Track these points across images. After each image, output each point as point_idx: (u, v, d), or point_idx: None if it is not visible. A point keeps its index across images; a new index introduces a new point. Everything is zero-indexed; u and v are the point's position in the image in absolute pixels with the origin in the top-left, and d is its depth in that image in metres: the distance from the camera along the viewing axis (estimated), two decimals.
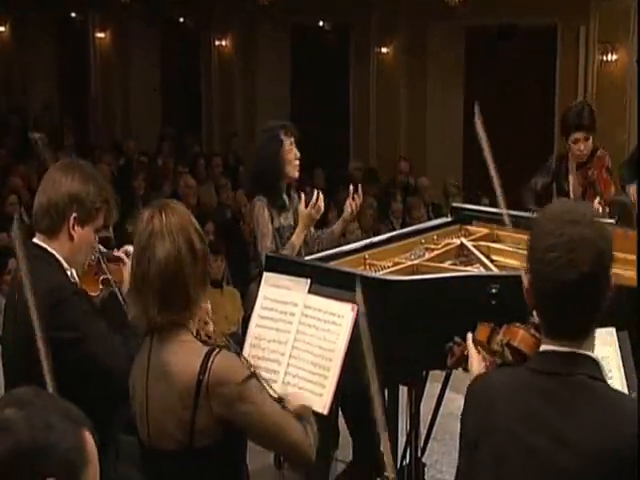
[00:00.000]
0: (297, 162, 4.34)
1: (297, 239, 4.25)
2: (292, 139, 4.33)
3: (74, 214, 2.67)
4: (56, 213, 2.66)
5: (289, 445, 2.24)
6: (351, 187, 4.36)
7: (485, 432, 1.80)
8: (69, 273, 2.71)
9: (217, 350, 2.18)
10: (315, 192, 4.24)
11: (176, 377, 2.17)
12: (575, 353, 1.75)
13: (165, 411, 2.19)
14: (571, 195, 4.95)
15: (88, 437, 1.38)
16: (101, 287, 2.86)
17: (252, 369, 2.22)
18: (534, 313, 1.87)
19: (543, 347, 1.82)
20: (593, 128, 4.88)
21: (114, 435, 2.84)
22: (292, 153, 4.31)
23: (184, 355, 2.19)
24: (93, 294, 2.82)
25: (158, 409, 2.21)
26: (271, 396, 2.24)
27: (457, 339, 2.26)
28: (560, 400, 1.73)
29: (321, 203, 4.22)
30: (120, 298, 2.80)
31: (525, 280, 1.81)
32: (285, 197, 4.39)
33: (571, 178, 5.00)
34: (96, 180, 2.73)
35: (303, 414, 2.31)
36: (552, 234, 1.72)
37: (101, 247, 2.89)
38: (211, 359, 2.15)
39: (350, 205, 4.33)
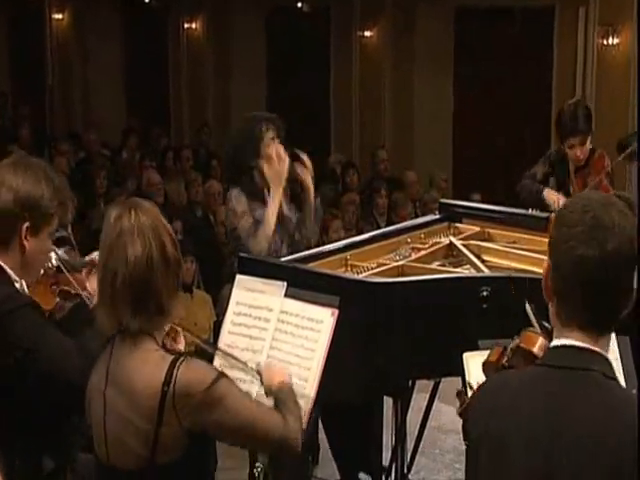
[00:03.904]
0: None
1: (271, 211, 4.11)
2: (274, 134, 4.23)
3: (26, 223, 2.52)
4: (5, 224, 2.52)
5: (269, 440, 2.27)
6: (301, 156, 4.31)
7: (487, 432, 1.83)
8: (18, 286, 2.59)
9: (182, 358, 2.20)
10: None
11: (138, 388, 2.18)
12: (590, 349, 1.80)
13: (125, 425, 2.20)
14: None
15: None
16: (57, 300, 2.78)
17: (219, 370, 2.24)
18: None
19: (555, 342, 1.86)
20: (589, 131, 4.98)
21: (72, 456, 2.83)
22: (271, 149, 4.21)
23: (147, 364, 2.20)
24: (46, 307, 2.72)
25: (118, 422, 2.22)
26: (243, 392, 2.26)
27: (472, 383, 2.28)
28: (572, 395, 1.77)
29: (285, 157, 4.16)
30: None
31: (545, 265, 1.85)
32: (265, 193, 4.24)
33: (572, 180, 5.10)
34: (50, 180, 2.58)
35: (280, 398, 2.34)
36: (578, 212, 1.79)
37: (62, 254, 2.81)
38: (176, 368, 2.17)
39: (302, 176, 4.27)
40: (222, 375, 2.23)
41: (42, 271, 2.76)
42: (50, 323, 2.61)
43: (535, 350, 2.02)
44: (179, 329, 2.60)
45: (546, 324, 2.03)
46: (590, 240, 1.75)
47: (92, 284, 2.69)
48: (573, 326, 1.81)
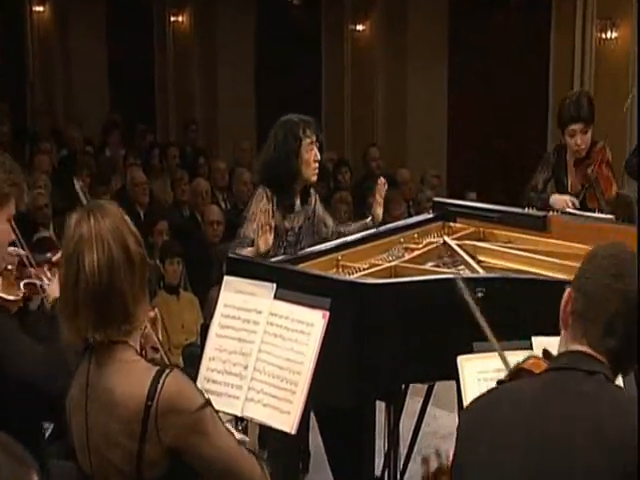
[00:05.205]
0: (316, 165, 4.28)
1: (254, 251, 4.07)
2: (314, 138, 4.30)
3: None
4: None
5: None
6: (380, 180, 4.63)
7: (481, 434, 1.88)
8: None
9: (167, 371, 2.16)
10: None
11: (120, 403, 2.16)
12: (596, 356, 1.89)
13: (109, 442, 2.18)
14: (569, 191, 4.98)
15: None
16: (24, 291, 2.83)
17: (206, 397, 2.21)
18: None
19: (560, 350, 1.95)
20: (591, 120, 4.87)
21: (44, 461, 2.82)
22: (311, 154, 4.27)
23: (129, 378, 2.17)
24: (10, 297, 2.78)
25: (101, 439, 2.20)
26: (226, 428, 2.24)
27: (439, 451, 2.29)
28: (578, 394, 1.84)
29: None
30: (46, 306, 2.77)
31: (565, 293, 1.96)
32: (297, 201, 4.33)
33: (569, 174, 5.01)
34: (2, 163, 2.71)
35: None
36: (609, 250, 1.97)
37: (21, 251, 2.86)
38: (161, 382, 2.13)
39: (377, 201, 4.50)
40: (208, 403, 2.20)
41: (6, 266, 2.81)
42: (17, 328, 2.64)
43: (534, 369, 2.02)
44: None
45: (550, 351, 2.06)
46: (618, 275, 1.88)
47: (52, 285, 2.76)
48: (584, 342, 1.89)
